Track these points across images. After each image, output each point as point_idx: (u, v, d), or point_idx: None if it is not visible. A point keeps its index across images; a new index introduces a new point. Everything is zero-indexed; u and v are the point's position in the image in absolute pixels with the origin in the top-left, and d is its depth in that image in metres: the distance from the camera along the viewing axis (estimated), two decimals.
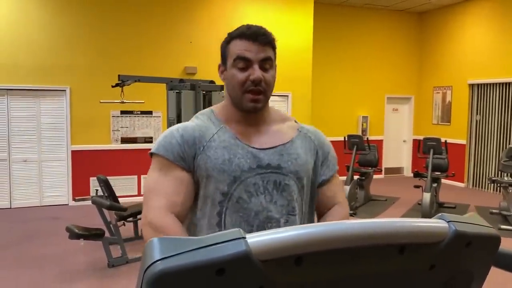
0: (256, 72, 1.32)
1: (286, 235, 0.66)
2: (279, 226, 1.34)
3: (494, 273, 0.87)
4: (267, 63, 1.35)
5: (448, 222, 0.74)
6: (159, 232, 1.22)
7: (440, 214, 0.76)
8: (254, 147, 1.37)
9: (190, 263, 0.61)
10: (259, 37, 1.34)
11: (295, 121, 1.53)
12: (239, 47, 1.34)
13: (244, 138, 1.38)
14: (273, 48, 1.39)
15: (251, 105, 1.35)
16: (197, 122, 1.41)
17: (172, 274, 0.61)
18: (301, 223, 1.42)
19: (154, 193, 1.31)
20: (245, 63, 1.33)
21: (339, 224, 0.68)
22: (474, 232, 0.75)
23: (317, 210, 1.51)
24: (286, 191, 1.36)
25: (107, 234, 4.69)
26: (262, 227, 1.32)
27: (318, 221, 1.51)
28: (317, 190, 1.48)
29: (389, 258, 0.72)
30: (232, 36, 1.37)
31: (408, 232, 0.72)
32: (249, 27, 1.37)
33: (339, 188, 1.56)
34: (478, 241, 0.76)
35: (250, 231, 1.28)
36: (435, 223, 0.74)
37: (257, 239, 0.65)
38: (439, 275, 0.76)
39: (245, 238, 0.64)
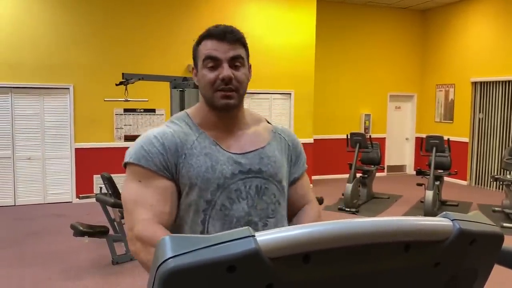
0: (225, 71, 1.30)
1: (294, 233, 0.68)
2: (257, 230, 1.31)
3: (494, 270, 0.88)
4: (237, 61, 1.33)
5: (452, 220, 0.75)
6: (149, 245, 1.16)
7: (444, 212, 0.77)
8: (234, 153, 1.35)
9: (201, 260, 0.63)
10: (227, 35, 1.31)
11: (268, 122, 1.51)
12: (207, 47, 1.32)
13: (223, 143, 1.36)
14: (244, 46, 1.37)
15: (223, 101, 1.32)
16: (174, 127, 1.36)
17: (184, 271, 0.62)
18: (280, 226, 1.40)
19: (138, 205, 1.25)
20: (214, 62, 1.31)
21: (347, 223, 0.70)
22: (478, 230, 0.76)
23: (288, 209, 1.46)
24: (266, 194, 1.35)
25: (111, 232, 4.72)
26: None
27: (289, 221, 1.48)
28: (289, 189, 1.46)
29: (394, 256, 0.73)
30: (201, 37, 1.36)
31: (413, 230, 0.73)
32: (217, 26, 1.35)
33: (309, 187, 1.56)
34: (482, 239, 0.77)
35: None
36: (440, 222, 0.75)
37: (266, 237, 0.66)
38: (443, 272, 0.78)
39: (254, 236, 0.66)
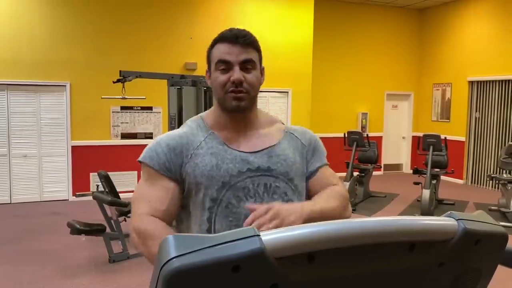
0: (235, 74, 1.33)
1: (299, 232, 0.67)
2: (269, 229, 1.32)
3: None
4: (249, 64, 1.36)
5: (457, 220, 0.75)
6: (142, 238, 1.25)
7: (449, 212, 0.77)
8: (243, 151, 1.37)
9: (206, 260, 0.62)
10: (240, 38, 1.35)
11: (282, 123, 1.54)
12: (220, 50, 1.36)
13: (233, 143, 1.39)
14: (257, 50, 1.40)
15: (234, 103, 1.35)
16: (185, 129, 1.43)
17: (188, 271, 0.62)
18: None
19: (138, 201, 1.34)
20: (226, 65, 1.35)
21: (352, 222, 0.69)
22: (483, 230, 0.76)
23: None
24: (277, 193, 1.35)
25: (108, 230, 4.70)
26: None
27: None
28: (308, 183, 1.46)
29: (399, 256, 0.73)
30: (214, 41, 1.39)
31: (419, 230, 0.73)
32: (230, 30, 1.38)
33: (332, 177, 1.51)
34: (487, 239, 0.77)
35: None
36: (445, 221, 0.75)
37: (271, 236, 0.66)
38: (448, 272, 0.77)
39: (259, 235, 0.65)
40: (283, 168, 1.38)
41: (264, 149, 1.39)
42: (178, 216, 1.41)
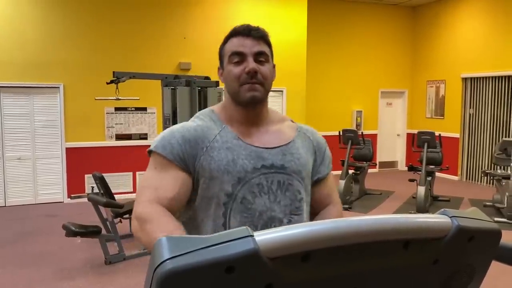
0: (250, 64, 1.33)
1: (293, 232, 0.67)
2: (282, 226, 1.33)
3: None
4: (262, 57, 1.36)
5: (451, 217, 0.75)
6: (143, 223, 1.20)
7: (443, 209, 0.77)
8: (258, 146, 1.36)
9: (199, 261, 0.62)
10: (252, 31, 1.36)
11: (292, 121, 1.53)
12: (233, 44, 1.37)
13: (247, 137, 1.38)
14: (268, 44, 1.40)
15: (249, 94, 1.34)
16: (198, 122, 1.40)
17: (182, 272, 0.61)
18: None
19: (144, 189, 1.30)
20: (240, 57, 1.35)
21: (345, 221, 0.69)
22: (476, 227, 0.76)
23: (312, 208, 1.49)
24: (290, 190, 1.36)
25: (103, 232, 4.69)
26: (266, 227, 1.32)
27: (311, 220, 1.49)
28: (312, 188, 1.47)
29: (393, 254, 0.73)
30: (227, 37, 1.40)
31: (412, 228, 0.73)
32: (242, 24, 1.40)
33: (334, 188, 1.56)
34: (480, 235, 0.77)
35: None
36: (439, 219, 0.75)
37: (264, 237, 0.65)
38: (442, 269, 0.78)
39: (253, 236, 0.65)
40: (296, 167, 1.38)
41: (278, 146, 1.39)
42: (186, 213, 1.38)
